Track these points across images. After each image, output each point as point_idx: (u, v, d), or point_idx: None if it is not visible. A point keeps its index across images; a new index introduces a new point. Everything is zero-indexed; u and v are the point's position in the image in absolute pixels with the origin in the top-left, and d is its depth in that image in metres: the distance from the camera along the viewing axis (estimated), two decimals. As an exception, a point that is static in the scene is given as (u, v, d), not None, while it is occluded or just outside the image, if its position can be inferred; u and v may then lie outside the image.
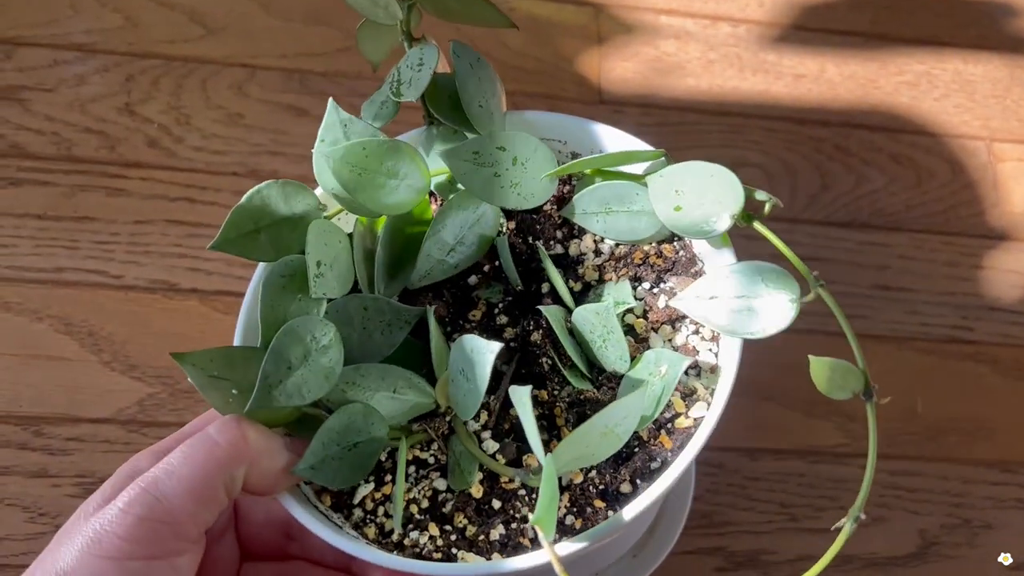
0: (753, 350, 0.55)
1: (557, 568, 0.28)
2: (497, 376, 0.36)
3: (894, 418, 0.54)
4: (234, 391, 0.32)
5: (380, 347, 0.35)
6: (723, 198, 0.34)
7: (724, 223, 0.34)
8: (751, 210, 0.35)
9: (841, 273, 0.57)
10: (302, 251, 0.34)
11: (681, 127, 0.59)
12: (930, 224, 0.59)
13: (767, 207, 0.35)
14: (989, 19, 0.66)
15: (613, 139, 0.40)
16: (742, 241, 0.37)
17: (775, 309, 0.34)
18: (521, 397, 0.30)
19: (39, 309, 0.49)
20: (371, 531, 0.35)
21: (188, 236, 0.51)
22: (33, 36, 0.54)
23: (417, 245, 0.37)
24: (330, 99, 0.33)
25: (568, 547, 0.32)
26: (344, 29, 0.57)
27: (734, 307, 0.34)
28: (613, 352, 0.36)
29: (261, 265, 0.37)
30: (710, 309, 0.34)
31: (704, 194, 0.34)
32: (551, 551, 0.28)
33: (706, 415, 0.35)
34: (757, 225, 0.35)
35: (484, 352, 0.32)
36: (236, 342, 0.36)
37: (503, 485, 0.35)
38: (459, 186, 0.37)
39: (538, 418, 0.35)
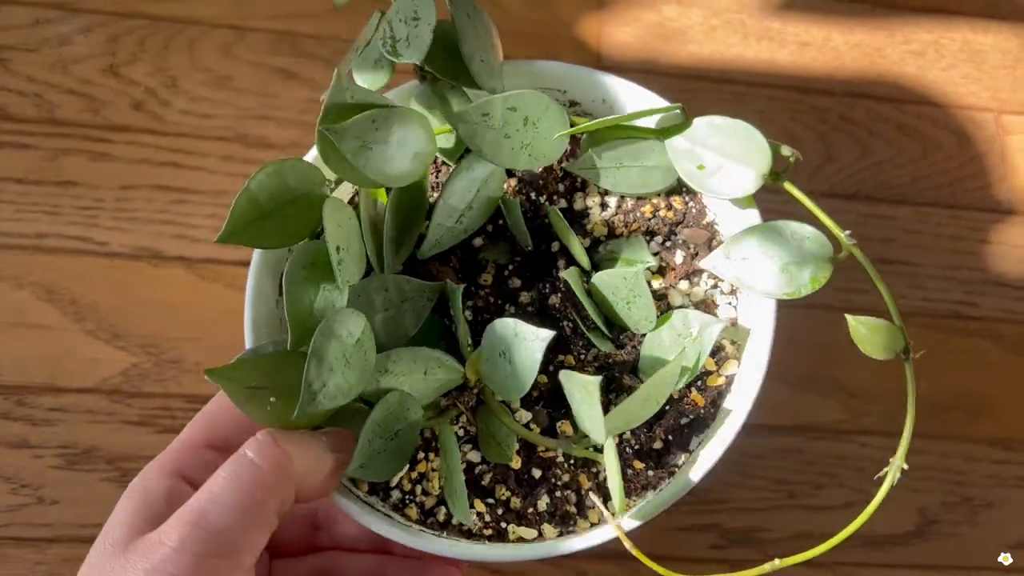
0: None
1: (627, 546, 0.31)
2: None
3: (896, 394, 0.53)
4: (272, 399, 0.30)
5: (406, 328, 0.34)
6: (748, 156, 0.33)
7: (753, 183, 0.33)
8: (777, 167, 0.34)
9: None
10: (311, 234, 0.32)
11: (682, 95, 0.57)
12: (936, 197, 0.57)
13: (790, 155, 0.34)
14: (1000, -13, 0.64)
15: (613, 87, 0.39)
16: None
17: (812, 270, 0.33)
18: (590, 387, 0.30)
19: (20, 276, 0.47)
20: (413, 512, 0.34)
21: (174, 202, 0.49)
22: (14, -6, 0.52)
23: (420, 212, 0.36)
24: (335, 70, 0.31)
25: (631, 523, 0.32)
26: (336, -10, 0.55)
27: (770, 268, 0.33)
28: (639, 313, 0.35)
29: (256, 253, 0.35)
30: (743, 270, 0.33)
31: (727, 152, 0.33)
32: (621, 533, 0.30)
33: (738, 372, 0.35)
34: (788, 186, 0.34)
35: (533, 340, 0.31)
36: (248, 342, 0.34)
37: (540, 453, 0.35)
38: (454, 145, 0.36)
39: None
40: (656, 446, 0.35)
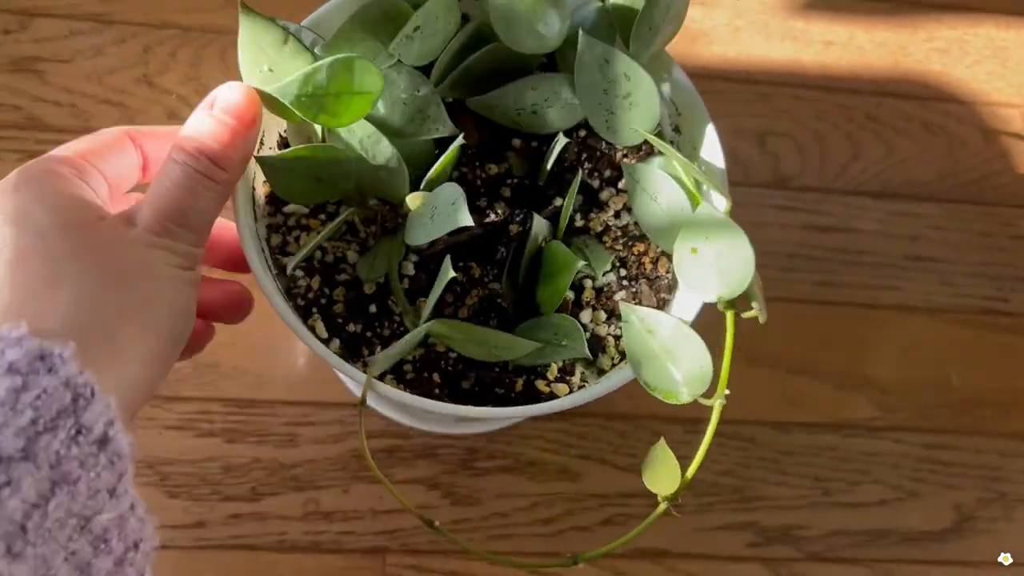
0: (784, 324, 0.55)
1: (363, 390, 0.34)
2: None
3: (928, 390, 0.53)
4: (269, 69, 0.33)
5: (401, 130, 0.36)
6: (727, 277, 0.33)
7: (709, 296, 0.34)
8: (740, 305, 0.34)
9: (873, 243, 0.55)
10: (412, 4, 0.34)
11: (708, 96, 0.56)
12: (963, 194, 0.58)
13: (754, 310, 0.34)
14: (1022, -16, 0.64)
15: (700, 126, 0.39)
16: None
17: (685, 390, 0.34)
18: (446, 272, 0.34)
19: (60, 284, 0.48)
20: (276, 240, 0.37)
21: (209, 209, 0.50)
22: (48, 6, 0.52)
23: (505, 74, 0.37)
24: None
25: (388, 390, 0.35)
26: (364, -3, 0.55)
27: (656, 358, 0.35)
28: (550, 297, 0.37)
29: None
30: (638, 339, 0.35)
31: (717, 261, 0.34)
32: (368, 383, 0.34)
33: (561, 399, 0.36)
34: (729, 319, 0.34)
35: (456, 216, 0.33)
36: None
37: (389, 302, 0.37)
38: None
39: (458, 285, 0.37)
40: (464, 385, 0.37)
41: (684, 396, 0.34)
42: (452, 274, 0.34)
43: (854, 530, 0.50)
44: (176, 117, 0.51)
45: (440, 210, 0.34)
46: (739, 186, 0.55)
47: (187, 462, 0.46)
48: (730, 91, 0.57)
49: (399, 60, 0.35)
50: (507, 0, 0.35)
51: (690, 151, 0.39)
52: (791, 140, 0.57)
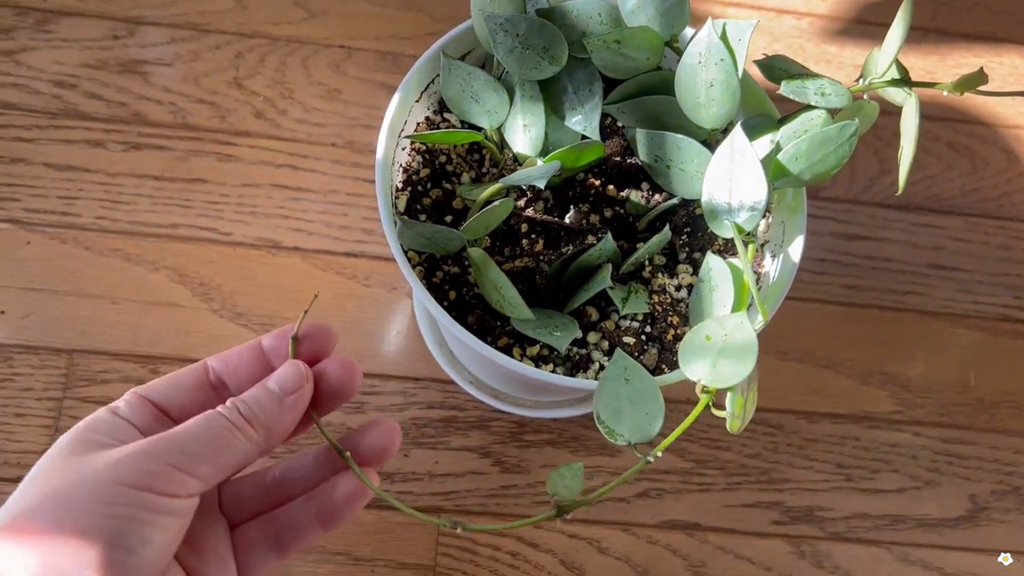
0: (813, 322, 0.58)
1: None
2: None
3: (947, 389, 0.57)
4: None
5: (521, 65, 0.41)
6: (717, 378, 0.35)
7: (692, 376, 0.35)
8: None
9: (897, 251, 0.59)
10: None
11: (746, 112, 0.62)
12: (984, 209, 0.61)
13: (726, 412, 0.35)
14: (1046, 17, 0.68)
15: (793, 231, 0.43)
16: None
17: (622, 430, 0.35)
18: (504, 203, 0.40)
19: (156, 261, 0.53)
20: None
21: (291, 199, 0.55)
22: (153, 16, 0.59)
23: (671, 128, 0.41)
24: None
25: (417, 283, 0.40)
26: (434, 14, 0.61)
27: (620, 397, 0.35)
28: (574, 299, 0.41)
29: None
30: (614, 380, 0.36)
31: (716, 361, 0.35)
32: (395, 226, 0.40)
33: (528, 367, 0.40)
34: (699, 405, 0.36)
35: (504, 202, 0.40)
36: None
37: (461, 223, 0.42)
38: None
39: (519, 247, 0.43)
40: (469, 319, 0.42)
41: (620, 440, 0.35)
42: (500, 203, 0.38)
43: (874, 514, 0.53)
44: (263, 117, 0.57)
45: (534, 174, 0.39)
46: (773, 195, 0.59)
47: (264, 424, 0.51)
48: (767, 108, 0.62)
49: (589, 58, 0.40)
50: (690, 74, 0.39)
51: (779, 241, 0.43)
52: (823, 154, 0.61)
